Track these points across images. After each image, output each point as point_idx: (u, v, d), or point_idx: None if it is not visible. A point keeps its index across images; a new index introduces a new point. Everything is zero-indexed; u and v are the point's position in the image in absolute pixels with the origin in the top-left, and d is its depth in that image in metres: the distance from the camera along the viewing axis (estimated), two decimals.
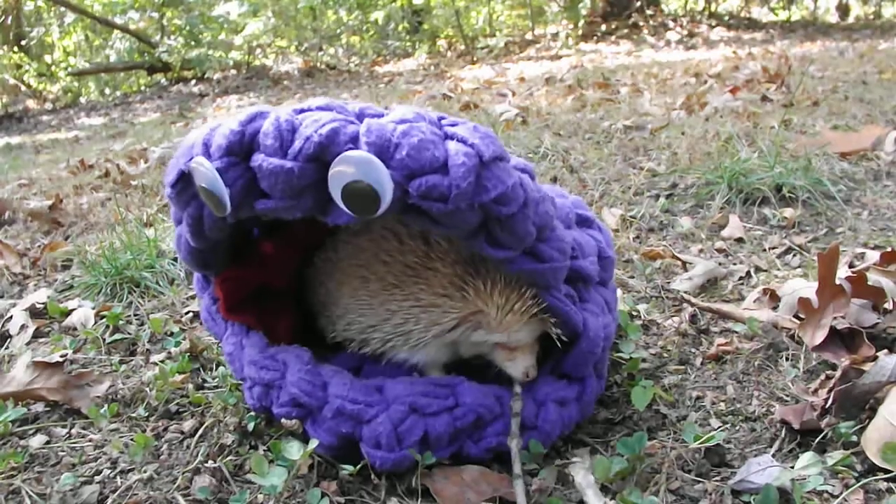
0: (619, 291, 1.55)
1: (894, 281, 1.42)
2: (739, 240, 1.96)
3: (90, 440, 1.20)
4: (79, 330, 1.66)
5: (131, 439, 1.17)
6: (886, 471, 0.98)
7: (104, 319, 1.66)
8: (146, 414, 1.27)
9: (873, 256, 1.62)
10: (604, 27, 10.43)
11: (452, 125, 0.93)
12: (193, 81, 9.93)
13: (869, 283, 1.38)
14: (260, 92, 8.70)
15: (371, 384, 1.05)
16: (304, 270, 1.29)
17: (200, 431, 1.18)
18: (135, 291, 1.84)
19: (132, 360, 1.50)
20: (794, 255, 1.84)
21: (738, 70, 5.23)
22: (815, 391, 1.18)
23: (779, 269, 1.76)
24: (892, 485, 0.96)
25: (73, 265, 2.13)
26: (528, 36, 10.82)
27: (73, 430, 1.24)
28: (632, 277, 1.75)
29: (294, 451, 1.02)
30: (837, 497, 0.95)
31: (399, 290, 1.08)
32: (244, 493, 1.02)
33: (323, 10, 11.04)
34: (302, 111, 0.92)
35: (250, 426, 1.15)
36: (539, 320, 1.05)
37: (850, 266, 1.61)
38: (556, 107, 4.19)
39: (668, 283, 1.71)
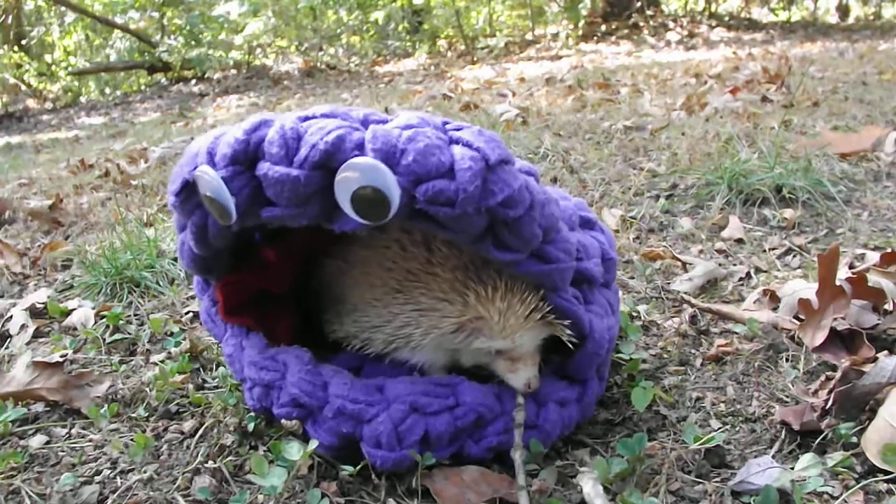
0: (619, 292, 1.55)
1: (894, 282, 1.42)
2: (739, 240, 1.96)
3: (90, 440, 1.20)
4: (79, 330, 1.66)
5: (131, 439, 1.17)
6: (886, 472, 0.98)
7: (104, 319, 1.66)
8: (146, 414, 1.26)
9: (873, 257, 1.62)
10: (604, 27, 10.43)
11: (457, 129, 0.93)
12: (194, 81, 9.94)
13: (869, 284, 1.38)
14: (260, 92, 8.70)
15: (372, 384, 1.05)
16: (314, 271, 1.29)
17: (200, 432, 1.18)
18: (135, 291, 1.84)
19: (132, 361, 1.50)
20: (794, 256, 1.84)
21: (738, 71, 5.23)
22: (816, 392, 1.18)
23: (779, 270, 1.76)
24: (892, 486, 0.96)
25: (73, 265, 2.13)
26: (529, 36, 10.82)
27: (73, 431, 1.24)
28: (632, 278, 1.75)
29: (294, 451, 1.02)
30: (837, 498, 0.95)
31: (402, 295, 1.08)
32: (244, 493, 1.02)
33: (323, 10, 11.04)
34: (306, 119, 0.92)
35: (250, 426, 1.15)
36: (543, 324, 1.04)
37: (851, 267, 1.61)
38: (556, 107, 4.19)
39: (669, 283, 1.71)
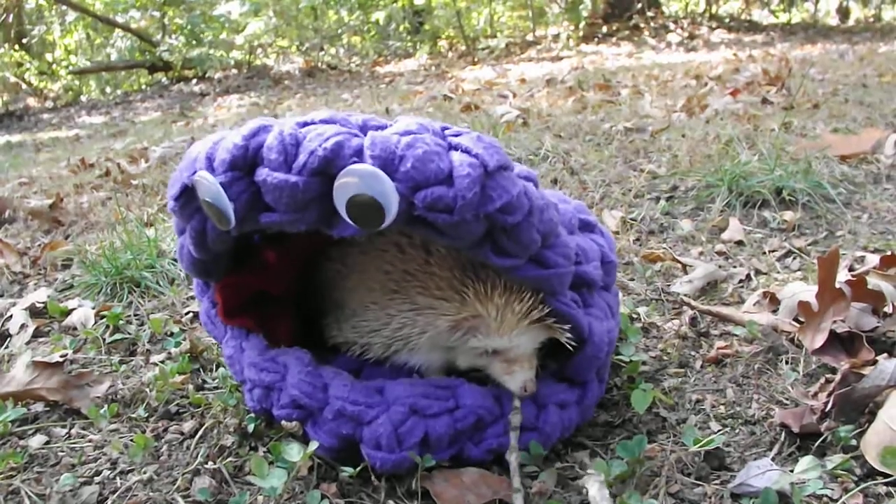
0: (619, 295, 1.55)
1: (894, 285, 1.43)
2: (739, 243, 1.96)
3: (90, 440, 1.20)
4: (79, 330, 1.66)
5: (131, 440, 1.17)
6: (886, 475, 0.98)
7: (104, 319, 1.66)
8: (146, 414, 1.27)
9: (873, 260, 1.62)
10: (605, 29, 10.44)
11: (456, 135, 0.93)
12: (194, 81, 9.94)
13: (869, 286, 1.38)
14: (261, 91, 8.70)
15: (372, 386, 1.05)
16: (313, 275, 1.30)
17: (200, 432, 1.18)
18: (135, 291, 1.84)
19: (132, 361, 1.50)
20: (794, 259, 1.84)
21: (738, 72, 5.23)
22: (815, 395, 1.18)
23: (779, 273, 1.76)
24: (891, 489, 0.96)
25: (73, 264, 2.13)
26: (529, 37, 10.83)
27: (73, 431, 1.24)
28: (632, 280, 1.75)
29: (294, 452, 1.02)
30: (837, 501, 0.95)
31: (399, 295, 1.08)
32: (244, 494, 1.02)
33: (324, 10, 11.04)
34: (305, 124, 0.92)
35: (250, 427, 1.16)
36: (540, 326, 1.04)
37: (850, 269, 1.61)
38: (556, 108, 4.19)
39: (668, 285, 1.71)
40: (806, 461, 1.00)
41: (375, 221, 0.88)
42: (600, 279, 1.14)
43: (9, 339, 1.67)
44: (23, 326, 1.69)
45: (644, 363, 1.35)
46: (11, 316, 1.74)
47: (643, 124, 3.34)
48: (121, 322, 1.67)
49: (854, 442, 1.05)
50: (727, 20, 11.16)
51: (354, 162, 0.87)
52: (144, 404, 1.29)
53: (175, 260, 1.97)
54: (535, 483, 1.01)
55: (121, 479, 1.09)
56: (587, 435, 1.15)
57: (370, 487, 1.03)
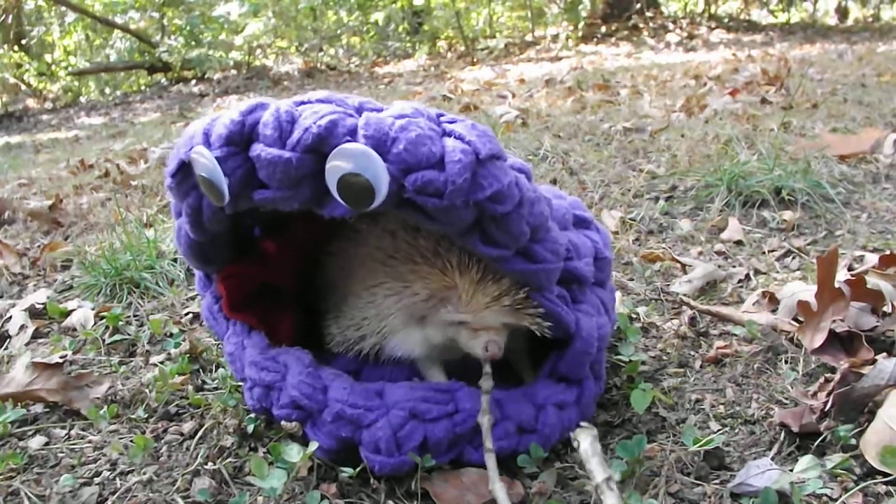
0: (618, 294, 1.55)
1: (893, 284, 1.43)
2: (739, 242, 1.96)
3: (89, 441, 1.20)
4: (78, 331, 1.66)
5: (131, 441, 1.17)
6: (885, 474, 0.98)
7: (104, 320, 1.66)
8: (146, 415, 1.27)
9: (872, 259, 1.62)
10: (604, 29, 10.44)
11: (451, 122, 0.93)
12: (194, 81, 9.94)
13: (868, 286, 1.38)
14: (260, 92, 8.70)
15: (371, 388, 1.05)
16: (315, 273, 1.30)
17: (200, 433, 1.18)
18: (134, 292, 1.84)
19: (132, 362, 1.50)
20: (794, 258, 1.85)
21: (737, 72, 5.24)
22: (814, 394, 1.18)
23: (778, 272, 1.77)
24: (890, 488, 0.96)
25: (72, 265, 2.13)
26: (528, 37, 10.83)
27: (73, 432, 1.24)
28: (631, 280, 1.75)
29: (294, 453, 1.02)
30: (836, 500, 0.95)
31: (387, 274, 1.09)
32: (244, 495, 1.02)
33: (323, 11, 11.05)
34: (302, 103, 0.93)
35: (250, 428, 1.16)
36: (511, 310, 1.03)
37: (849, 269, 1.61)
38: (555, 108, 4.19)
39: (668, 285, 1.71)
40: (805, 460, 1.00)
41: (365, 201, 0.88)
42: (591, 275, 1.13)
43: (8, 340, 1.67)
44: (22, 327, 1.69)
45: (643, 363, 1.35)
46: (11, 317, 1.74)
47: (642, 124, 3.34)
48: (120, 323, 1.67)
49: (853, 441, 1.05)
50: (726, 20, 11.16)
51: (348, 140, 0.87)
52: (144, 405, 1.29)
53: (175, 260, 1.97)
54: (535, 483, 1.01)
55: (120, 479, 1.09)
56: None
57: (370, 488, 1.03)
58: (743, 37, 9.67)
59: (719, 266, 1.78)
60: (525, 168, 1.03)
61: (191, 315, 1.70)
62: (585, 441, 0.92)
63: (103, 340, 1.58)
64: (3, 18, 11.04)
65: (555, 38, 10.35)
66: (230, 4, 10.47)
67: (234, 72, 10.09)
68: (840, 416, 1.10)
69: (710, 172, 2.35)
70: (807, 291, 1.43)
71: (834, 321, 1.32)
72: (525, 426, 1.05)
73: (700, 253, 1.91)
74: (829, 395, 1.12)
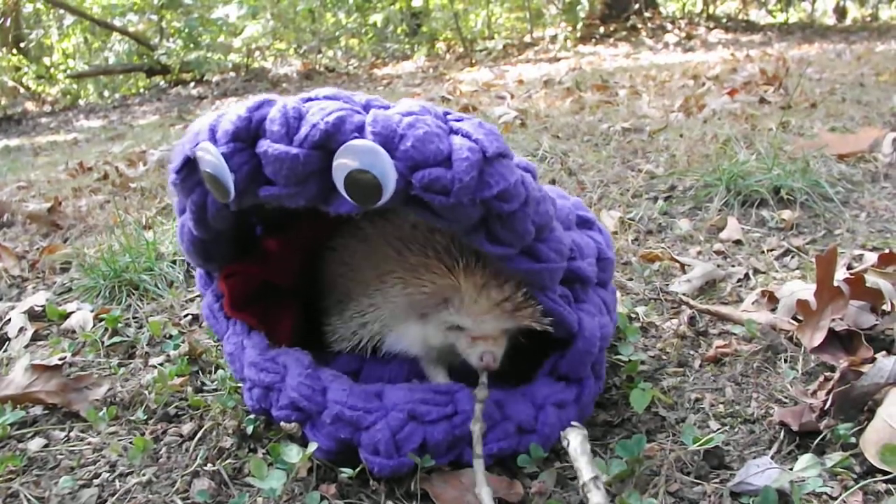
0: (617, 293, 1.55)
1: (892, 283, 1.43)
2: (738, 242, 1.96)
3: (89, 443, 1.20)
4: (77, 333, 1.66)
5: (130, 442, 1.17)
6: (885, 472, 0.98)
7: (103, 322, 1.66)
8: (145, 417, 1.26)
9: (871, 258, 1.62)
10: (602, 29, 10.45)
11: (458, 120, 0.93)
12: (192, 84, 9.94)
13: (867, 284, 1.38)
14: (259, 94, 8.69)
15: (370, 390, 1.05)
16: (319, 272, 1.30)
17: (199, 434, 1.18)
18: (133, 294, 1.84)
19: (131, 363, 1.50)
20: (793, 257, 1.85)
21: (735, 72, 5.24)
22: (814, 393, 1.18)
23: (777, 271, 1.77)
24: (890, 486, 0.96)
25: (71, 268, 2.13)
26: (527, 38, 10.83)
27: (72, 434, 1.24)
28: (630, 280, 1.75)
29: (293, 454, 1.02)
30: (836, 499, 0.95)
31: (395, 255, 1.09)
32: (243, 496, 1.02)
33: (322, 13, 11.05)
34: (309, 100, 0.93)
35: (249, 429, 1.15)
36: (512, 316, 1.04)
37: (849, 268, 1.61)
38: (554, 109, 4.19)
39: (667, 285, 1.71)
40: (805, 459, 1.00)
41: (373, 198, 0.88)
42: (594, 276, 1.13)
43: (7, 342, 1.67)
44: (21, 330, 1.69)
45: (643, 362, 1.35)
46: (10, 319, 1.74)
47: (641, 124, 3.34)
48: (119, 325, 1.67)
49: (853, 440, 1.05)
50: (724, 20, 11.17)
51: (355, 137, 0.87)
52: (143, 407, 1.29)
53: (174, 262, 1.97)
54: (535, 483, 1.01)
55: (120, 481, 1.09)
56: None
57: (369, 489, 1.03)
58: (741, 37, 9.68)
59: (718, 265, 1.78)
60: (531, 167, 1.03)
61: (190, 317, 1.70)
62: (575, 440, 0.93)
63: (102, 342, 1.58)
64: (1, 21, 11.04)
65: (553, 38, 10.36)
66: (229, 7, 10.47)
67: (232, 74, 10.09)
68: (840, 414, 1.10)
69: (708, 172, 2.35)
70: (806, 290, 1.43)
71: (833, 320, 1.32)
72: (525, 426, 1.05)
73: (699, 252, 1.91)
74: (828, 393, 1.12)
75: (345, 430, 1.01)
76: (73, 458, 1.16)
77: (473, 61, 9.47)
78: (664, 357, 1.39)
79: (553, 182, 2.54)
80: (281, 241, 1.28)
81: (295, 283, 1.33)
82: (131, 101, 9.84)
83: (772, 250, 1.89)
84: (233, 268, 1.20)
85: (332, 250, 1.25)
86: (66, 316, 1.74)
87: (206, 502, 1.02)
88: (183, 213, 1.07)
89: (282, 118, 0.89)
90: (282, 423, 1.07)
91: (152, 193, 3.07)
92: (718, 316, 1.51)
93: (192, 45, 10.04)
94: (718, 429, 1.14)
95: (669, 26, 10.46)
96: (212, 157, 0.92)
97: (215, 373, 1.39)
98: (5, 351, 1.62)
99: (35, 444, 1.20)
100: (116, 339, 1.60)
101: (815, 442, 1.07)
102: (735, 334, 1.44)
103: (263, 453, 1.12)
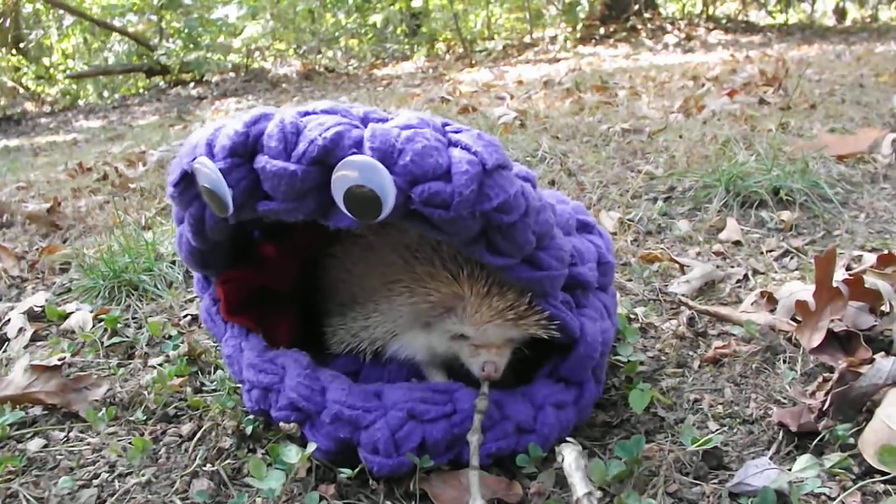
0: (617, 294, 1.55)
1: (891, 283, 1.43)
2: (737, 243, 1.96)
3: (88, 444, 1.20)
4: (77, 333, 1.66)
5: (129, 443, 1.17)
6: (883, 473, 0.98)
7: (102, 323, 1.66)
8: (144, 417, 1.26)
9: (870, 259, 1.62)
10: (602, 30, 10.45)
11: (456, 132, 0.93)
12: (192, 84, 9.94)
13: (866, 285, 1.38)
14: (258, 95, 8.70)
15: (370, 389, 1.05)
16: (318, 276, 1.30)
17: (198, 435, 1.18)
18: (133, 294, 1.84)
19: (130, 364, 1.50)
20: (792, 258, 1.85)
21: (735, 73, 5.24)
22: (813, 394, 1.18)
23: (776, 272, 1.77)
24: (889, 487, 0.96)
25: (71, 268, 2.13)
26: (527, 39, 10.84)
27: (71, 434, 1.24)
28: (630, 280, 1.75)
29: (292, 454, 1.02)
30: (835, 499, 0.95)
31: (403, 264, 1.09)
32: (242, 496, 1.02)
33: (321, 13, 11.06)
34: (306, 114, 0.93)
35: (248, 430, 1.15)
36: (516, 324, 1.04)
37: (848, 269, 1.61)
38: (554, 110, 4.19)
39: (666, 286, 1.71)
40: (804, 460, 1.00)
41: (372, 213, 0.88)
42: (595, 280, 1.14)
43: (7, 342, 1.67)
44: (21, 330, 1.69)
45: (642, 363, 1.35)
46: (9, 320, 1.74)
47: (640, 125, 3.34)
48: (119, 325, 1.67)
49: (852, 440, 1.05)
50: (724, 21, 11.18)
51: (354, 153, 0.87)
52: (142, 407, 1.29)
53: (173, 263, 1.97)
54: (534, 483, 1.01)
55: (119, 481, 1.09)
56: (585, 435, 1.15)
57: (368, 489, 1.03)
58: (741, 38, 9.69)
59: (717, 266, 1.79)
60: (530, 176, 1.03)
61: (189, 317, 1.70)
62: (570, 456, 0.94)
63: (102, 343, 1.58)
64: (1, 21, 11.04)
65: (553, 39, 10.36)
66: (228, 7, 10.48)
67: (232, 74, 10.09)
68: (838, 415, 1.10)
69: (708, 173, 2.35)
70: (805, 291, 1.43)
71: (832, 321, 1.32)
72: (524, 426, 1.05)
73: (698, 253, 1.91)
74: (827, 394, 1.12)
75: (344, 429, 1.01)
76: (72, 458, 1.16)
77: (473, 62, 9.48)
78: (663, 358, 1.39)
79: (552, 183, 2.54)
80: (278, 248, 1.28)
81: (293, 288, 1.33)
82: (131, 101, 9.84)
83: (771, 251, 1.89)
84: (230, 274, 1.20)
85: (333, 257, 1.25)
86: (66, 316, 1.74)
87: (206, 502, 1.02)
88: (181, 222, 1.07)
89: (279, 133, 0.89)
90: (281, 424, 1.07)
91: (152, 194, 3.07)
92: (717, 317, 1.51)
93: (191, 46, 10.04)
94: (717, 429, 1.15)
95: (669, 27, 10.47)
96: (209, 172, 0.92)
97: (214, 373, 1.39)
98: (5, 351, 1.63)
99: (34, 445, 1.21)
100: (116, 339, 1.60)
101: (814, 443, 1.07)
102: (734, 335, 1.44)
103: (262, 454, 1.12)
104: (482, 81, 6.55)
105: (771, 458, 1.04)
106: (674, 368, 1.35)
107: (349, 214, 0.89)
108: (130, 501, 1.04)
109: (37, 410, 1.32)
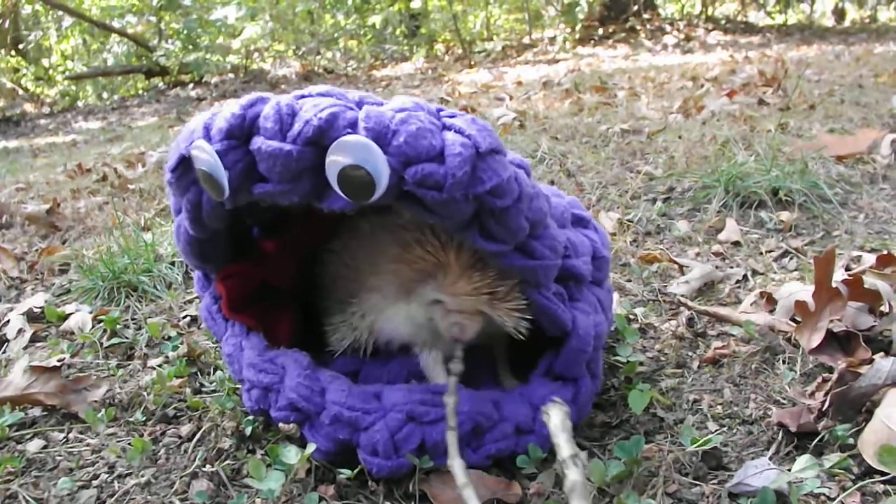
0: (616, 295, 1.55)
1: (890, 284, 1.43)
2: (736, 243, 1.96)
3: (87, 445, 1.20)
4: (76, 334, 1.66)
5: (129, 444, 1.17)
6: (883, 473, 0.98)
7: (101, 324, 1.66)
8: (144, 418, 1.26)
9: (869, 259, 1.62)
10: (601, 31, 10.46)
11: (451, 116, 0.93)
12: (191, 85, 9.94)
13: (865, 286, 1.38)
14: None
15: (369, 391, 1.05)
16: (319, 273, 1.30)
17: (198, 436, 1.18)
18: (132, 295, 1.84)
19: (130, 365, 1.50)
20: (791, 259, 1.85)
21: (734, 74, 5.25)
22: (812, 394, 1.18)
23: (775, 273, 1.77)
24: (888, 487, 0.97)
25: (70, 269, 2.13)
26: (526, 40, 10.84)
27: (71, 435, 1.24)
28: (629, 281, 1.75)
29: (292, 455, 1.02)
30: (834, 500, 0.95)
31: (391, 235, 1.09)
32: (242, 497, 1.02)
33: (320, 14, 11.06)
34: (303, 97, 0.93)
35: (248, 430, 1.15)
36: (490, 303, 1.03)
37: (847, 269, 1.61)
38: (553, 111, 4.19)
39: (665, 286, 1.71)
40: (803, 460, 1.00)
41: (366, 194, 0.88)
42: (589, 274, 1.13)
43: (6, 343, 1.67)
44: (20, 331, 1.69)
45: (641, 364, 1.35)
46: (9, 321, 1.73)
47: (640, 126, 3.35)
48: (118, 326, 1.67)
49: (851, 441, 1.05)
50: (723, 22, 11.18)
51: (348, 133, 0.87)
52: (142, 408, 1.29)
53: (172, 264, 1.97)
54: (533, 484, 1.01)
55: (118, 482, 1.09)
56: (584, 436, 1.15)
57: (368, 490, 1.03)
58: (740, 38, 9.70)
59: (717, 267, 1.79)
60: (524, 164, 1.03)
61: (188, 318, 1.70)
62: (556, 417, 0.93)
63: (101, 344, 1.58)
64: (0, 23, 11.04)
65: (552, 40, 10.37)
66: (227, 8, 10.48)
67: (231, 75, 10.09)
68: (838, 415, 1.10)
69: (707, 174, 2.35)
70: (804, 292, 1.43)
71: (831, 321, 1.32)
72: (523, 427, 1.05)
73: (697, 254, 1.91)
74: (826, 394, 1.12)
75: (343, 430, 1.01)
76: (71, 459, 1.16)
77: (472, 63, 9.48)
78: (662, 358, 1.39)
79: (552, 183, 2.54)
80: (277, 243, 1.28)
81: (293, 285, 1.33)
82: (130, 102, 9.84)
83: (770, 251, 1.89)
84: (230, 269, 1.20)
85: (331, 252, 1.25)
86: (65, 317, 1.74)
87: (205, 503, 1.02)
88: (179, 212, 1.08)
89: (275, 115, 0.89)
90: (280, 424, 1.07)
91: (151, 195, 3.07)
92: (717, 317, 1.51)
93: (190, 47, 10.04)
94: (717, 430, 1.15)
95: (668, 28, 10.48)
96: (206, 156, 0.92)
97: (214, 374, 1.39)
98: (4, 352, 1.62)
99: (34, 446, 1.20)
100: (115, 340, 1.60)
101: (814, 443, 1.07)
102: (733, 335, 1.44)
103: (262, 454, 1.12)
104: (481, 82, 6.55)
105: (770, 459, 1.05)
106: (673, 369, 1.35)
107: (343, 195, 0.89)
108: (130, 502, 1.04)
109: (36, 411, 1.32)
